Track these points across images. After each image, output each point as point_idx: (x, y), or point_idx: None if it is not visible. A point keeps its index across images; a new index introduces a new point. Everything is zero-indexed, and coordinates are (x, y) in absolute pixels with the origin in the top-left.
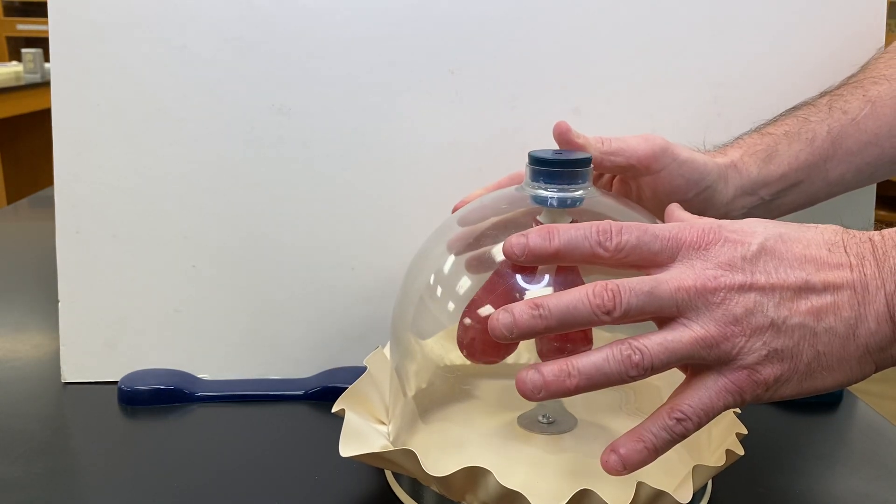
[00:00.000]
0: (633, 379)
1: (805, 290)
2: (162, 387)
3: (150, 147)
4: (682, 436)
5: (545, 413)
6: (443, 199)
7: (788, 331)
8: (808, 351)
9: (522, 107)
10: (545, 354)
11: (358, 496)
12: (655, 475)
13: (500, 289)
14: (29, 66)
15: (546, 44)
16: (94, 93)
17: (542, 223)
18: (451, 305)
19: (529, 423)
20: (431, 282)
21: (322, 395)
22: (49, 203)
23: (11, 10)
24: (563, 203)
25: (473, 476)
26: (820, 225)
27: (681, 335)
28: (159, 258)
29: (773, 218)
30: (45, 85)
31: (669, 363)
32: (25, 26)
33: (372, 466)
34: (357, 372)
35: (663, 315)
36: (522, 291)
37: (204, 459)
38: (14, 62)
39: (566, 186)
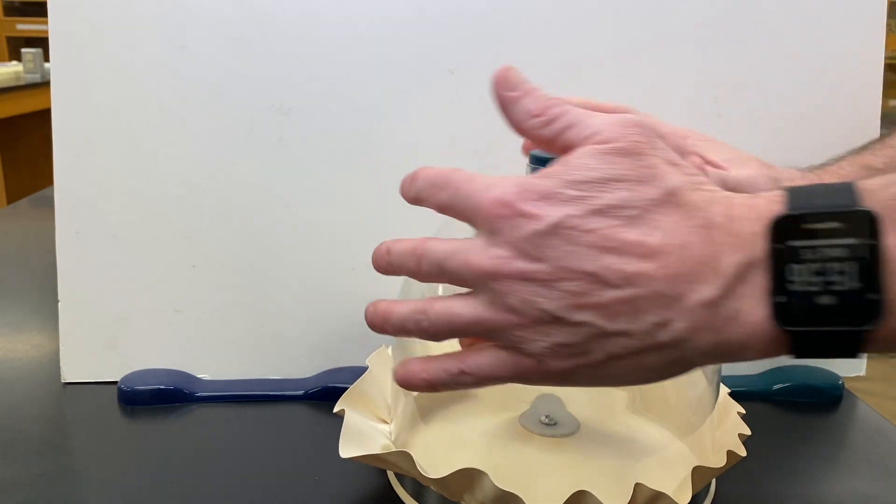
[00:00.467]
0: (432, 339)
1: (596, 282)
2: (162, 387)
3: (150, 147)
4: (463, 386)
5: (547, 413)
6: None
7: (571, 328)
8: (599, 351)
9: None
10: None
11: (358, 496)
12: (656, 475)
13: None
14: (29, 66)
15: (546, 44)
16: (94, 93)
17: None
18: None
19: (531, 424)
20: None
21: (322, 395)
22: (49, 203)
23: (11, 10)
24: None
25: (470, 477)
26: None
27: (463, 311)
28: (159, 258)
29: None
30: (44, 85)
31: (453, 334)
32: (25, 26)
33: (372, 468)
34: (357, 372)
35: (459, 285)
36: None
37: (204, 459)
38: (14, 62)
39: None
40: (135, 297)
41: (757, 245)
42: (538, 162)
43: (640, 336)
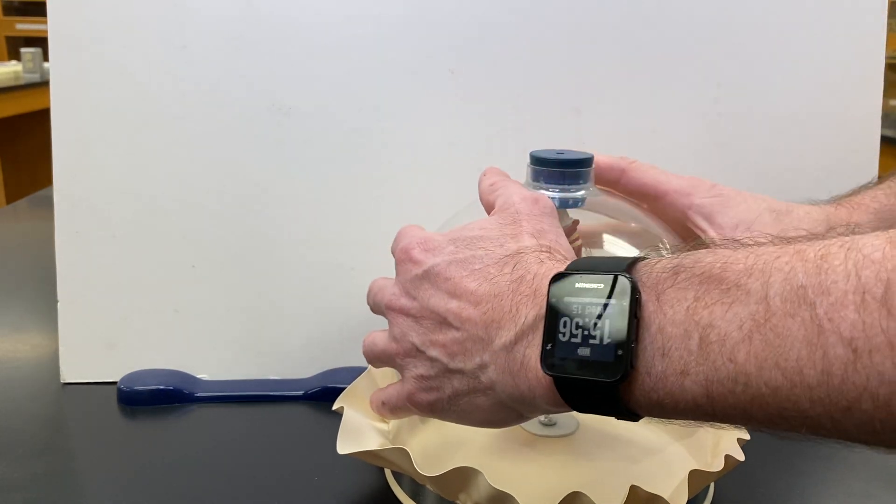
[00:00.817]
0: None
1: (443, 323)
2: (161, 387)
3: (149, 147)
4: (391, 416)
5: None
6: (443, 199)
7: (428, 362)
8: (448, 386)
9: (522, 107)
10: None
11: (358, 496)
12: (653, 477)
13: None
14: (28, 66)
15: (546, 44)
16: (94, 92)
17: None
18: None
19: (529, 424)
20: None
21: (322, 395)
22: (48, 203)
23: (11, 10)
24: (564, 203)
25: (465, 476)
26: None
27: (377, 340)
28: (159, 258)
29: None
30: (44, 84)
31: (379, 361)
32: (25, 26)
33: (372, 466)
34: (357, 372)
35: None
36: None
37: (204, 460)
38: (13, 62)
39: (567, 187)
40: (134, 297)
41: (545, 300)
42: (538, 163)
43: (470, 375)
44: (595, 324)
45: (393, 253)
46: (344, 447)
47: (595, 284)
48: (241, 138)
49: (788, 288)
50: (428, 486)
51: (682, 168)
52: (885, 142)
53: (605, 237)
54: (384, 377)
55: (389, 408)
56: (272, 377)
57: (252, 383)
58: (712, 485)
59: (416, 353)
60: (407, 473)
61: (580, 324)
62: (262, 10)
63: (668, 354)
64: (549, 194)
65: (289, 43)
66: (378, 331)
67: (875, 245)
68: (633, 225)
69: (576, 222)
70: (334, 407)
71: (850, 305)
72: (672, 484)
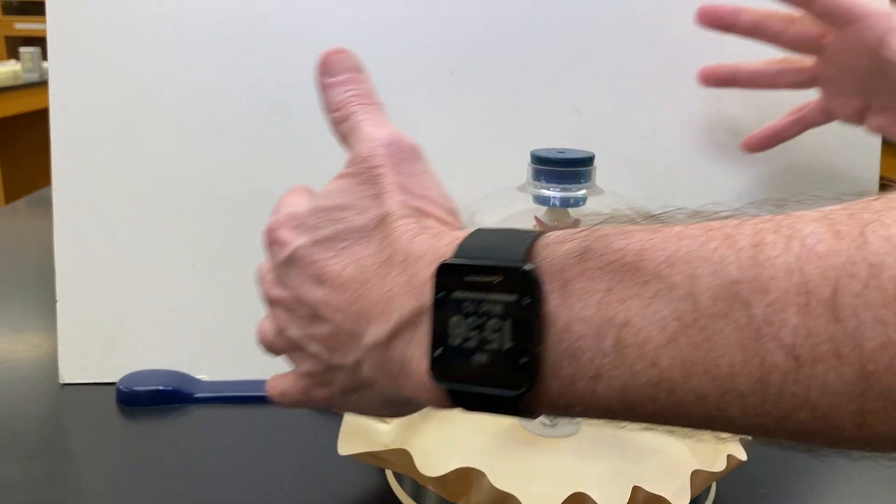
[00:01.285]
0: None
1: (315, 315)
2: (161, 388)
3: (149, 147)
4: (289, 406)
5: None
6: None
7: (312, 357)
8: (336, 382)
9: (523, 107)
10: None
11: (358, 496)
12: (655, 477)
13: None
14: (27, 66)
15: (546, 43)
16: (93, 92)
17: (543, 222)
18: None
19: (531, 425)
20: None
21: None
22: (47, 203)
23: (9, 9)
24: (565, 203)
25: (468, 477)
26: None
27: (264, 329)
28: (158, 258)
29: None
30: (43, 84)
31: (267, 349)
32: (23, 25)
33: (373, 467)
34: None
35: None
36: None
37: (203, 460)
38: (12, 61)
39: (569, 186)
40: (133, 297)
41: (426, 292)
42: (539, 162)
43: (349, 372)
44: (493, 325)
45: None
46: (345, 448)
47: (489, 277)
48: (241, 138)
49: (718, 283)
50: (429, 487)
51: (682, 168)
52: (886, 142)
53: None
54: None
55: (289, 400)
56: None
57: (252, 383)
58: (714, 484)
59: (299, 347)
60: (408, 474)
61: (474, 325)
62: (262, 10)
63: (578, 357)
64: (550, 194)
65: (289, 43)
66: (266, 318)
67: (818, 234)
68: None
69: (576, 221)
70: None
71: (792, 307)
72: (674, 484)
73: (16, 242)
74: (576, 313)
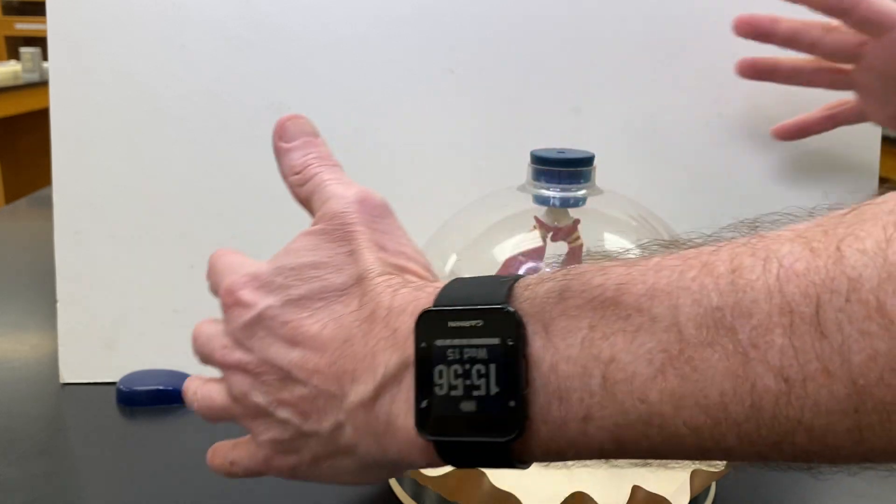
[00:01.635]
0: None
1: (287, 377)
2: (161, 388)
3: (149, 147)
4: (238, 476)
5: None
6: (443, 199)
7: (280, 423)
8: (306, 450)
9: (522, 107)
10: None
11: (357, 497)
12: (655, 477)
13: None
14: (27, 66)
15: (546, 43)
16: (93, 92)
17: (543, 222)
18: None
19: None
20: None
21: None
22: (48, 203)
23: (10, 10)
24: (565, 203)
25: (468, 477)
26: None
27: (216, 396)
28: (158, 258)
29: None
30: (43, 84)
31: (212, 419)
32: (24, 25)
33: None
34: None
35: None
36: None
37: (203, 460)
38: (12, 61)
39: (569, 186)
40: (134, 297)
41: (410, 345)
42: (539, 162)
43: (326, 438)
44: (478, 370)
45: (215, 293)
46: None
47: (471, 321)
48: (241, 138)
49: (701, 311)
50: (429, 487)
51: (682, 168)
52: (886, 142)
53: (606, 236)
54: None
55: (242, 469)
56: None
57: None
58: (714, 484)
59: (265, 414)
60: (410, 476)
61: (459, 372)
62: (262, 10)
63: (566, 398)
64: (550, 194)
65: (288, 43)
66: (210, 380)
67: (794, 253)
68: (633, 223)
69: (576, 221)
70: None
71: (777, 329)
72: (674, 484)
73: (16, 242)
74: (560, 353)
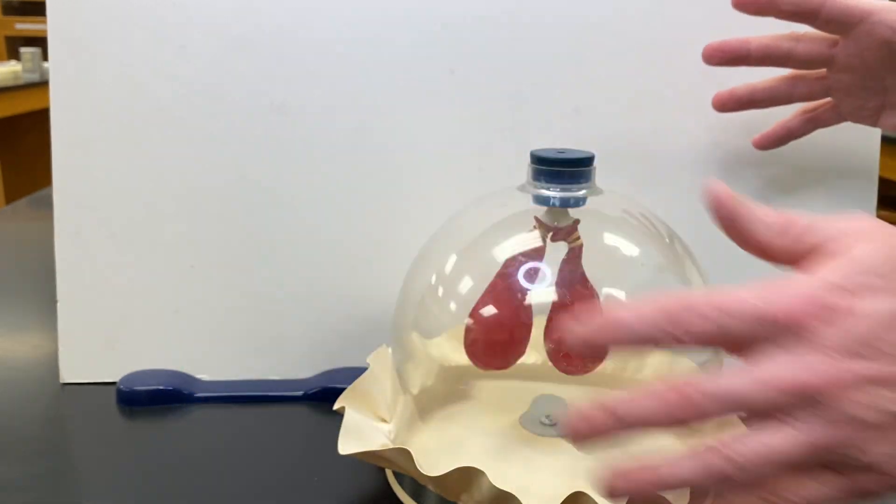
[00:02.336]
0: (739, 489)
1: None
2: (161, 387)
3: (149, 147)
4: None
5: (548, 414)
6: (443, 199)
7: None
8: None
9: (522, 107)
10: (556, 357)
11: (358, 496)
12: None
13: (503, 291)
14: (27, 66)
15: (546, 43)
16: (93, 92)
17: (543, 222)
18: (452, 306)
19: (531, 424)
20: (433, 282)
21: (322, 395)
22: (48, 203)
23: (10, 10)
24: (565, 203)
25: (468, 476)
26: None
27: (785, 442)
28: (159, 258)
29: None
30: (43, 84)
31: (771, 475)
32: (24, 25)
33: (373, 467)
34: (357, 372)
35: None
36: (525, 292)
37: (203, 460)
38: (13, 61)
39: (569, 186)
40: (134, 297)
41: None
42: (539, 162)
43: None
44: None
45: (772, 320)
46: (345, 447)
47: None
48: (241, 138)
49: None
50: (430, 487)
51: (682, 168)
52: (885, 142)
53: (606, 235)
54: (385, 376)
55: None
56: (272, 377)
57: (252, 383)
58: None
59: None
60: (408, 474)
61: None
62: (262, 10)
63: None
64: (550, 194)
65: (288, 43)
66: (750, 433)
67: None
68: (633, 222)
69: (576, 221)
70: (335, 407)
71: None
72: None
73: (16, 242)
74: None
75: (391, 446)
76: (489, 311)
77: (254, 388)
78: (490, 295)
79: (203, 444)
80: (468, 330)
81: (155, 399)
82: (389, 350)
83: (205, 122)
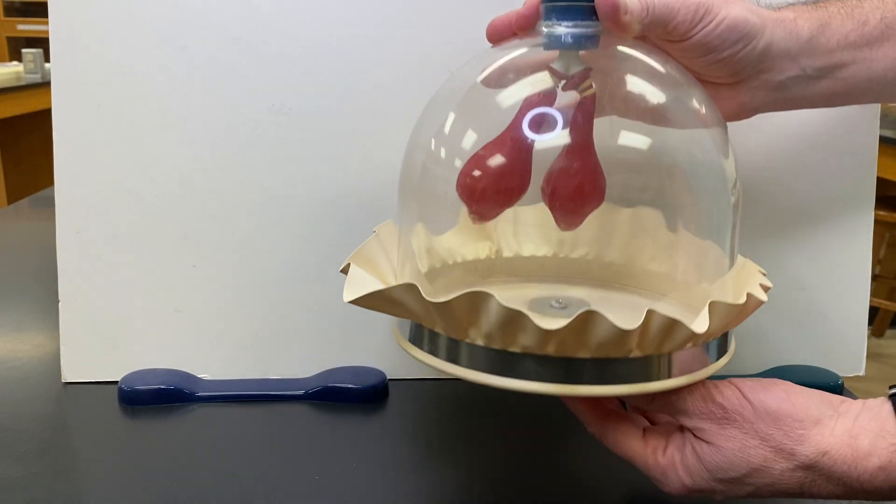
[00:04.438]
0: None
1: None
2: (162, 387)
3: (150, 147)
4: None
5: (558, 298)
6: None
7: None
8: None
9: None
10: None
11: (358, 496)
12: (673, 311)
13: (508, 140)
14: (29, 67)
15: None
16: (94, 93)
17: (556, 70)
18: (457, 162)
19: (541, 308)
20: (433, 144)
21: (322, 395)
22: (49, 203)
23: (12, 11)
24: (578, 41)
25: (475, 303)
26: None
27: None
28: (159, 258)
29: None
30: (45, 85)
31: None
32: (26, 26)
33: (372, 466)
34: (357, 372)
35: None
36: (532, 144)
37: (204, 459)
38: (14, 62)
39: (580, 22)
40: (135, 296)
41: None
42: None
43: None
44: None
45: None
46: (350, 294)
47: None
48: (241, 138)
49: None
50: (436, 325)
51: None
52: (885, 142)
53: (630, 78)
54: (391, 241)
55: None
56: (272, 377)
57: (252, 383)
58: (734, 341)
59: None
60: (413, 314)
61: None
62: (263, 10)
63: None
64: (563, 30)
65: (289, 43)
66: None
67: None
68: (660, 69)
69: (588, 69)
70: (341, 267)
71: None
72: (692, 315)
73: (18, 243)
74: None
75: (395, 284)
76: (496, 160)
77: (254, 388)
78: (495, 144)
79: (204, 443)
80: (475, 179)
81: (156, 398)
82: (395, 226)
83: (205, 122)
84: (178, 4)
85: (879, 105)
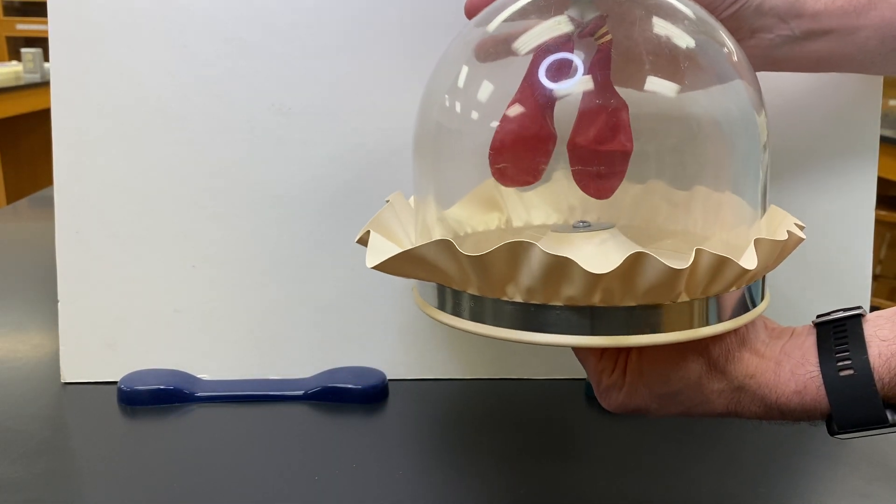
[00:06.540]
0: None
1: None
2: (162, 387)
3: (150, 147)
4: None
5: (581, 220)
6: None
7: None
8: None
9: None
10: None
11: (358, 496)
12: (719, 249)
13: (530, 93)
14: (29, 66)
15: None
16: (94, 93)
17: (572, 17)
18: (474, 114)
19: (563, 228)
20: (447, 102)
21: (322, 395)
22: (49, 203)
23: (11, 10)
24: None
25: (515, 255)
26: None
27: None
28: (159, 258)
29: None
30: (44, 85)
31: None
32: (25, 26)
33: (373, 465)
34: (357, 372)
35: None
36: (552, 94)
37: (204, 459)
38: (14, 62)
39: None
40: (135, 297)
41: None
42: None
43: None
44: None
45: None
46: (373, 260)
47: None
48: (241, 138)
49: None
50: (470, 285)
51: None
52: (885, 142)
53: (656, 21)
54: (404, 207)
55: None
56: (272, 377)
57: (252, 383)
58: (769, 292)
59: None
60: (443, 274)
61: None
62: (263, 10)
63: None
64: None
65: (289, 43)
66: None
67: None
68: (689, 13)
69: (602, 16)
70: (358, 237)
71: None
72: (738, 253)
73: (17, 242)
74: None
75: (427, 241)
76: (517, 111)
77: (254, 388)
78: (518, 98)
79: (204, 443)
80: (502, 145)
81: (156, 398)
82: (410, 200)
83: (205, 122)
84: (178, 4)
85: (880, 105)
